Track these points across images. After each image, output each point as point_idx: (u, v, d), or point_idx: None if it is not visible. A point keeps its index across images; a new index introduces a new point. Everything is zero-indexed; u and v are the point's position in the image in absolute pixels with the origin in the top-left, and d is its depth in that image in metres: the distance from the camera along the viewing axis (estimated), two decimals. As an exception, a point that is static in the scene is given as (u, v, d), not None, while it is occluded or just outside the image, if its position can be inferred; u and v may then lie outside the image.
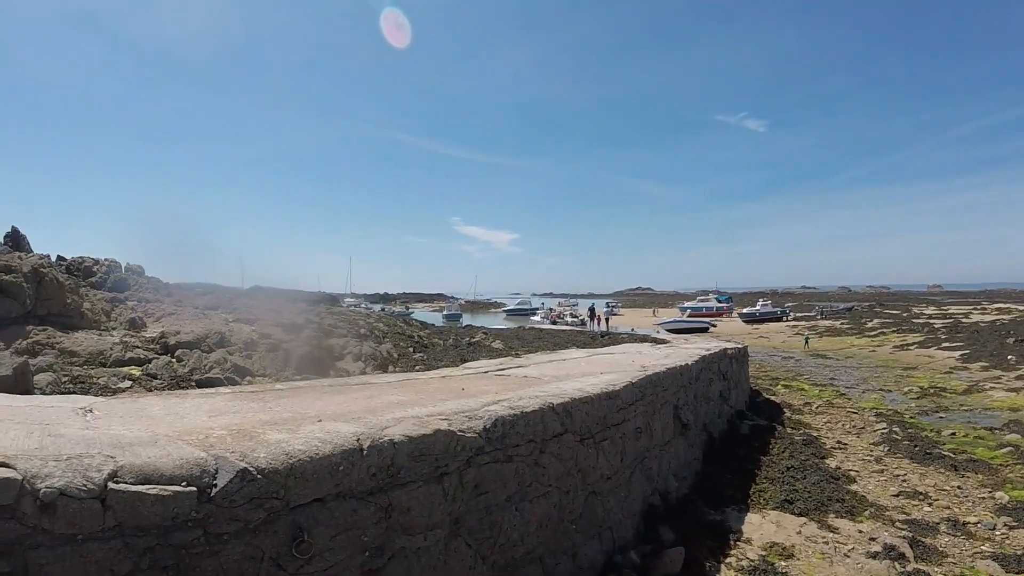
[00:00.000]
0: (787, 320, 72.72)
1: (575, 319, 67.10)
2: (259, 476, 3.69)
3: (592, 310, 52.56)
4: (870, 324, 55.30)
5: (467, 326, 45.73)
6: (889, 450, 13.99)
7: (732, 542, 8.48)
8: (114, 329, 18.36)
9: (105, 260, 28.01)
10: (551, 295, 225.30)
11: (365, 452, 4.31)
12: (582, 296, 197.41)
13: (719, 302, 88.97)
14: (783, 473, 11.61)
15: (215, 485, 3.53)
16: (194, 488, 3.46)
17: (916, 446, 14.13)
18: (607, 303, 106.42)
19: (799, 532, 8.98)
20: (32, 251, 23.97)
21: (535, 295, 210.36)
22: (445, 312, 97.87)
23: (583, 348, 18.41)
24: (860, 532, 9.08)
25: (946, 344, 38.35)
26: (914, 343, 41.24)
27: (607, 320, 46.81)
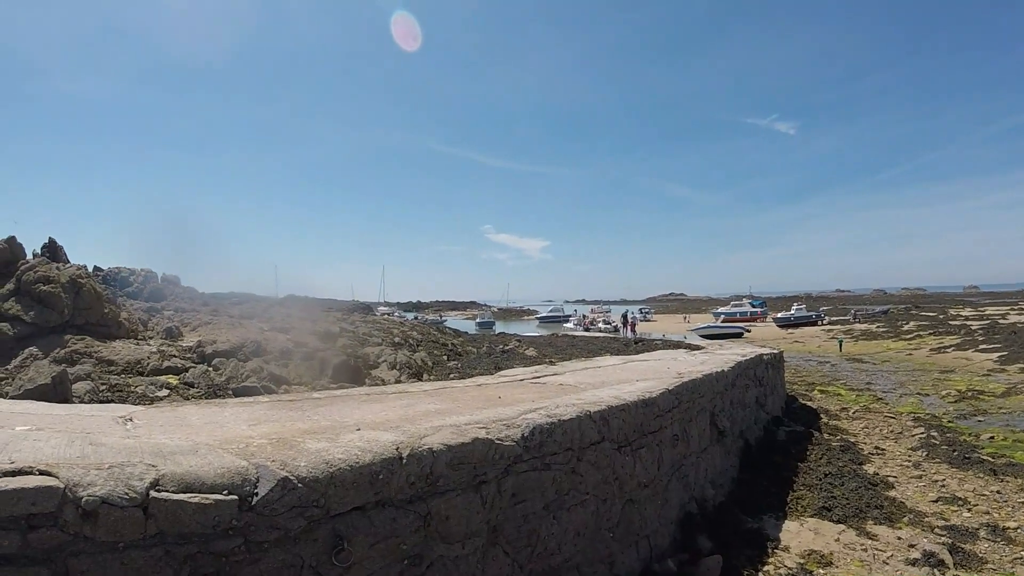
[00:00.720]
0: (822, 324, 71.45)
1: (608, 326, 66.75)
2: (300, 485, 3.70)
3: (625, 316, 52.18)
4: (906, 327, 54.15)
5: (500, 333, 45.62)
6: (927, 455, 13.67)
7: (770, 550, 8.34)
8: (151, 338, 18.65)
9: (141, 270, 28.53)
10: (583, 302, 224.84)
11: (404, 461, 4.30)
12: (615, 302, 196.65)
13: (753, 307, 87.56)
14: (821, 480, 11.41)
15: (256, 494, 3.54)
16: (235, 497, 3.47)
17: (955, 451, 13.80)
18: (639, 309, 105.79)
19: (837, 539, 8.82)
20: (69, 262, 24.46)
21: (567, 302, 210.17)
22: (478, 320, 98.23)
23: (618, 355, 18.21)
24: (899, 539, 8.88)
25: (983, 346, 37.37)
26: (951, 345, 40.26)
27: (634, 326, 46.40)
